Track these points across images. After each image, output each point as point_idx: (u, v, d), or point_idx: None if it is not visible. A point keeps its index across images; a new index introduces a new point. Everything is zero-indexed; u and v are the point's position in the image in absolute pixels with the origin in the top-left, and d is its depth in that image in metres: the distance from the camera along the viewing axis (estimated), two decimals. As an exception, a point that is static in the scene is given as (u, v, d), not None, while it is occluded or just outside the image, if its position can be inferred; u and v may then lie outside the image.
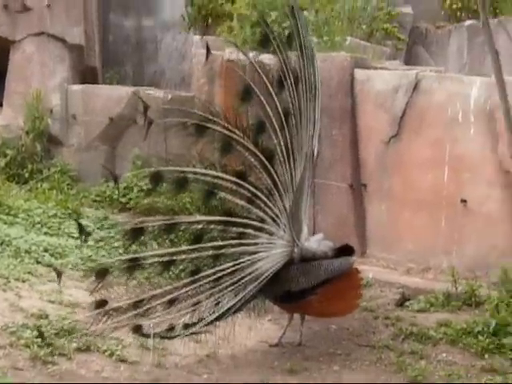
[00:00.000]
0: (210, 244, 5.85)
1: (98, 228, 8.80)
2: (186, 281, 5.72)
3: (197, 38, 10.85)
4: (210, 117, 5.96)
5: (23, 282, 6.92)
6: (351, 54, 8.81)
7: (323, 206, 8.56)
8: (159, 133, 10.30)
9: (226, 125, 5.94)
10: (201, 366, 5.68)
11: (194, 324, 5.64)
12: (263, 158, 5.99)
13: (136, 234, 5.70)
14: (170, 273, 5.76)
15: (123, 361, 5.55)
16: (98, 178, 10.53)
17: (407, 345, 6.28)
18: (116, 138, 10.75)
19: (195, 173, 5.88)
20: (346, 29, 10.23)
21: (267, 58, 6.58)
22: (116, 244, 8.33)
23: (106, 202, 10.00)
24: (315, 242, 6.26)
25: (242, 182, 5.95)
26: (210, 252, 5.82)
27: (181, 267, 5.78)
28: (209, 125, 5.95)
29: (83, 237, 5.83)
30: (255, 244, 5.93)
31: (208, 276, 5.75)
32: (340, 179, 8.47)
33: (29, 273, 7.20)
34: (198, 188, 5.96)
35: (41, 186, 10.43)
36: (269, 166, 6.00)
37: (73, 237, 8.47)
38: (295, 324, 6.37)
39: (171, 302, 5.63)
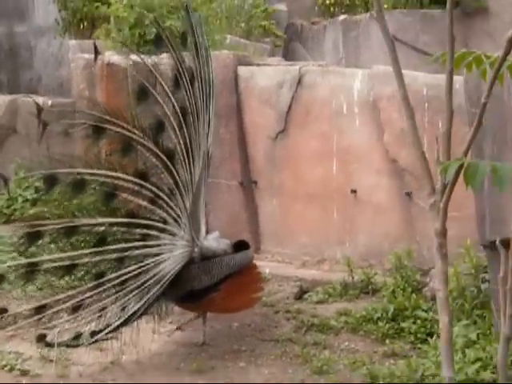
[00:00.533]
0: (113, 247, 5.74)
1: (-18, 241, 8.48)
2: (90, 285, 5.60)
3: (73, 42, 10.64)
4: (108, 117, 5.84)
5: None
6: (233, 51, 8.83)
7: (215, 205, 8.51)
8: (41, 141, 10.07)
9: (125, 125, 5.84)
10: (106, 373, 5.56)
11: (101, 330, 5.53)
12: (164, 158, 5.94)
13: (33, 237, 5.53)
14: (73, 277, 5.60)
15: (25, 375, 5.38)
16: (-21, 190, 10.18)
17: (310, 336, 6.36)
18: (-4, 148, 10.41)
19: (93, 174, 5.74)
20: (224, 27, 10.26)
21: (160, 59, 6.50)
22: (3, 257, 8.12)
23: (-10, 215, 9.66)
24: (213, 241, 6.27)
25: (143, 183, 5.87)
26: (114, 255, 5.71)
27: (83, 271, 5.63)
28: (107, 126, 5.83)
29: None
30: (158, 245, 5.87)
31: (113, 280, 5.64)
32: (230, 177, 8.47)
33: None
34: (98, 190, 5.82)
35: None
36: (170, 166, 5.95)
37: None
38: (197, 323, 6.34)
39: (76, 309, 5.49)
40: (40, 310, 5.42)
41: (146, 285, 5.71)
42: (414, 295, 6.58)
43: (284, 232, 8.29)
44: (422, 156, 3.55)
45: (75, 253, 5.63)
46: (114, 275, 5.66)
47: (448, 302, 3.46)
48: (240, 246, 6.38)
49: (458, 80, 6.85)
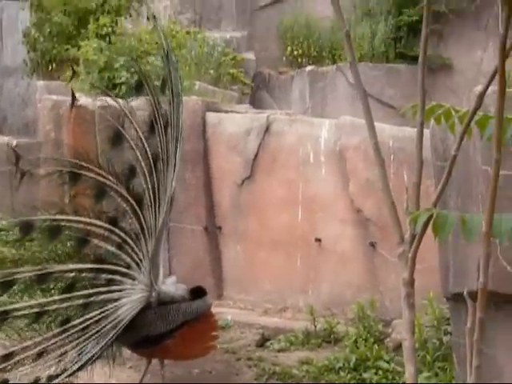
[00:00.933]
0: (80, 292, 5.67)
1: None
2: (56, 331, 5.51)
3: (41, 83, 10.62)
4: (84, 164, 5.82)
5: None
6: (202, 97, 8.88)
7: (178, 250, 8.52)
8: (5, 181, 10.01)
9: (99, 171, 5.83)
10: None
11: (58, 375, 5.43)
12: (134, 204, 5.91)
13: (6, 285, 5.45)
14: (41, 324, 5.52)
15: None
16: None
17: (271, 385, 6.33)
18: (-40, 187, 10.30)
19: (69, 220, 5.71)
20: (194, 74, 10.33)
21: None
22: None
23: None
24: (171, 285, 6.24)
25: (113, 228, 5.84)
26: (81, 301, 5.65)
27: (51, 317, 5.56)
28: (83, 172, 5.82)
29: None
30: (120, 290, 5.81)
31: (77, 325, 5.57)
32: (194, 222, 8.46)
33: None
34: (71, 236, 5.78)
35: None
36: (138, 211, 5.92)
37: None
38: (156, 369, 6.26)
39: (40, 354, 5.40)
40: (7, 357, 5.32)
41: (104, 329, 5.64)
42: (376, 345, 6.58)
43: (247, 278, 8.28)
44: (392, 205, 3.59)
45: (45, 300, 5.56)
46: (77, 321, 5.59)
47: (414, 352, 3.46)
48: (197, 292, 6.30)
49: (425, 133, 6.99)
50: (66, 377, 5.45)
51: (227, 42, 11.52)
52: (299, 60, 12.32)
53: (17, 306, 5.45)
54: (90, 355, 5.60)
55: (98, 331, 5.60)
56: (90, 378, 5.70)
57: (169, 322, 5.99)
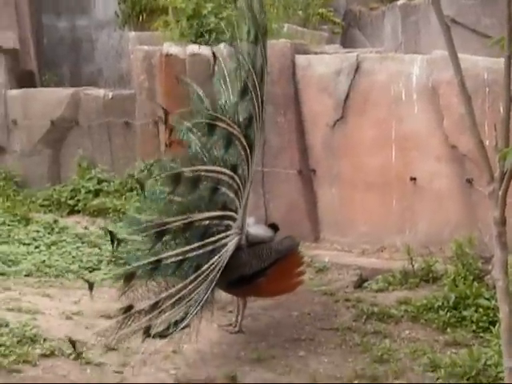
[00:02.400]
0: (211, 239, 5.85)
1: (48, 233, 8.68)
2: (191, 278, 5.69)
3: (133, 34, 10.75)
4: (219, 115, 5.97)
5: (-22, 291, 6.79)
6: (291, 40, 8.82)
7: (274, 194, 8.57)
8: (102, 133, 10.24)
9: (229, 122, 5.99)
10: (167, 362, 5.63)
11: (182, 320, 5.60)
12: (248, 151, 6.11)
13: (160, 235, 5.67)
14: (181, 271, 5.71)
15: (89, 363, 5.47)
16: (43, 182, 10.40)
17: (370, 325, 6.34)
18: (59, 140, 10.61)
19: (207, 170, 5.91)
20: (282, 16, 10.24)
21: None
22: (68, 248, 8.30)
23: (53, 206, 9.85)
24: (256, 227, 6.42)
25: (234, 176, 6.03)
26: (210, 247, 5.82)
27: (189, 264, 5.73)
28: (218, 123, 5.96)
29: (115, 244, 5.68)
30: (229, 235, 6.01)
31: (205, 271, 5.75)
32: (288, 166, 8.47)
33: (-17, 282, 7.07)
34: (207, 185, 5.96)
35: (-14, 194, 10.26)
36: (249, 158, 6.13)
37: (24, 243, 8.37)
38: (256, 313, 6.39)
39: (178, 301, 5.60)
40: (156, 305, 5.54)
41: (217, 274, 5.80)
42: (475, 283, 6.49)
43: (343, 220, 8.27)
44: (480, 143, 3.52)
45: (188, 247, 5.73)
46: (205, 267, 5.76)
47: (508, 292, 3.42)
48: (273, 228, 6.55)
49: (519, 64, 6.76)
50: (188, 320, 5.60)
51: (315, -18, 11.33)
52: (390, -5, 12.04)
53: (168, 253, 5.66)
54: (204, 298, 5.76)
55: (214, 276, 5.77)
56: (197, 322, 5.85)
57: (263, 260, 6.20)
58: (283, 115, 8.46)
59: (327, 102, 8.26)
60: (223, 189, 6.01)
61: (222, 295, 6.33)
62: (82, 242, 8.43)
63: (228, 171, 5.99)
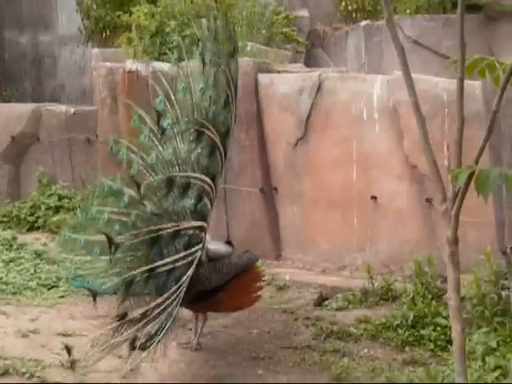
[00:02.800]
0: (192, 250, 5.86)
1: (6, 249, 8.58)
2: (174, 289, 5.65)
3: (96, 50, 10.71)
4: (206, 123, 6.05)
5: None
6: (253, 58, 8.84)
7: (235, 212, 8.56)
8: (64, 149, 10.18)
9: (213, 130, 6.09)
10: (124, 381, 5.57)
11: (156, 334, 5.53)
12: (223, 161, 6.23)
13: (153, 241, 5.66)
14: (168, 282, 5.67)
15: (44, 382, 5.40)
16: (2, 198, 10.30)
17: (329, 343, 6.34)
18: (19, 156, 10.53)
19: (195, 178, 5.97)
20: (245, 34, 10.26)
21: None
22: (26, 265, 8.20)
23: (13, 222, 9.75)
24: (214, 243, 6.43)
25: (213, 186, 6.10)
26: (190, 258, 5.83)
27: (175, 275, 5.70)
28: (204, 130, 6.05)
29: (112, 249, 5.60)
30: (201, 249, 6.02)
31: (182, 284, 5.73)
32: (250, 184, 8.48)
33: None
34: (193, 193, 5.99)
35: None
36: (222, 169, 6.27)
37: (-16, 259, 8.25)
38: (216, 331, 6.35)
39: (159, 313, 5.54)
40: (145, 313, 5.49)
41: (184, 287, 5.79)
42: (434, 302, 6.52)
43: (304, 238, 8.28)
44: (433, 163, 3.56)
45: (177, 256, 5.73)
46: (183, 279, 5.74)
47: (460, 311, 3.44)
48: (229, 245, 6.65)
49: (477, 85, 6.84)
50: (161, 335, 5.51)
51: (279, 1, 11.39)
52: (354, 15, 12.13)
53: (163, 261, 5.64)
54: (175, 313, 5.72)
55: (183, 289, 5.75)
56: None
57: (222, 275, 6.20)
58: (245, 133, 8.47)
59: (289, 120, 8.29)
60: (205, 199, 6.05)
61: (184, 312, 6.29)
62: (41, 259, 8.33)
63: (209, 181, 6.05)
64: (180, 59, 6.74)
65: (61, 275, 7.88)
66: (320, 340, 6.41)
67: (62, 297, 7.42)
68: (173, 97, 6.31)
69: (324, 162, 8.11)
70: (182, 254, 5.78)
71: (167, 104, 6.31)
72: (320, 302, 7.23)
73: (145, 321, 5.48)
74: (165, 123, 6.22)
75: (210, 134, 6.09)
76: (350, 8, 12.06)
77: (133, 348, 5.39)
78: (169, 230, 5.73)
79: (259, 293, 6.49)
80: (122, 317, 5.41)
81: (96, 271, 5.78)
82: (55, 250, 6.34)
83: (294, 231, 8.35)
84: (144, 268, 5.58)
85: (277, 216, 8.46)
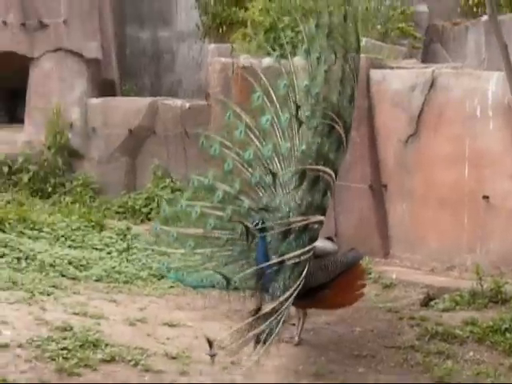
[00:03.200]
0: (313, 244, 5.86)
1: (120, 239, 8.84)
2: (297, 283, 5.66)
3: (212, 46, 10.88)
4: (335, 117, 6.04)
5: (48, 295, 6.91)
6: (366, 54, 8.77)
7: (344, 208, 8.52)
8: (178, 143, 10.39)
9: (340, 124, 6.08)
10: (225, 372, 5.65)
11: (275, 329, 5.51)
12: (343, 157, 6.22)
13: (285, 234, 5.76)
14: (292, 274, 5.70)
15: (148, 370, 5.51)
16: (119, 189, 10.62)
17: (433, 345, 6.24)
18: (135, 149, 10.83)
19: (324, 172, 5.95)
20: (360, 30, 10.17)
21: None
22: (139, 255, 8.42)
23: (128, 213, 10.04)
24: (320, 240, 6.32)
25: (335, 180, 6.08)
26: (311, 253, 5.83)
27: (298, 268, 5.72)
28: (334, 124, 6.05)
29: (250, 240, 5.75)
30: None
31: (303, 278, 5.72)
32: (360, 180, 8.43)
33: (53, 286, 7.20)
34: (321, 187, 5.98)
35: (64, 199, 10.55)
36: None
37: (96, 249, 8.53)
38: (319, 327, 6.35)
39: (287, 306, 5.57)
40: (276, 307, 5.51)
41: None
42: (545, 306, 6.33)
43: (414, 237, 8.17)
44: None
45: (302, 250, 5.74)
46: (304, 274, 5.73)
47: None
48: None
49: None
50: (279, 330, 5.52)
51: (396, -4, 11.24)
52: (474, 10, 11.84)
53: (294, 253, 5.69)
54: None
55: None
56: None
57: (328, 273, 6.17)
58: (356, 129, 8.37)
59: (401, 116, 8.20)
60: (328, 193, 6.03)
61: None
62: (153, 250, 8.52)
63: (333, 175, 6.02)
64: (292, 55, 6.77)
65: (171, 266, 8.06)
66: (424, 341, 6.31)
67: (172, 287, 7.57)
68: (272, 93, 6.32)
69: (435, 159, 7.98)
70: (306, 249, 5.77)
71: (265, 100, 6.32)
72: (426, 302, 7.11)
73: (275, 315, 5.48)
74: (263, 119, 6.25)
75: (338, 128, 6.06)
76: (470, 2, 11.78)
77: (257, 342, 5.41)
78: (298, 224, 5.75)
79: (362, 291, 6.44)
80: (255, 311, 5.41)
81: (191, 264, 5.86)
82: (144, 243, 6.43)
83: (403, 229, 8.25)
84: (275, 261, 5.62)
85: (386, 213, 8.38)
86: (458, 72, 8.14)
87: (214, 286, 6.14)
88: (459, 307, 6.91)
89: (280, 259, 5.64)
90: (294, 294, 5.62)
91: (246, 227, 5.58)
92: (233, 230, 6.07)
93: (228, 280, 5.66)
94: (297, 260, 5.69)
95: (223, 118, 9.50)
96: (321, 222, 5.98)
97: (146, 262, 8.21)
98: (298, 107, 6.10)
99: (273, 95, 6.43)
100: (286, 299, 5.55)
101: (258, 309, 5.42)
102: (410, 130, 8.12)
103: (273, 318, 5.45)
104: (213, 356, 5.23)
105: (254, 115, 6.35)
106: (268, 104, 6.39)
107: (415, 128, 8.09)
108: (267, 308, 5.44)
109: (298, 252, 5.70)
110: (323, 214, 6.01)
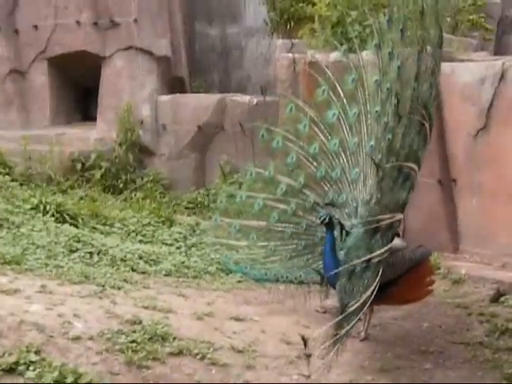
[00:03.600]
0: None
1: (189, 234, 8.95)
2: (377, 280, 5.62)
3: (280, 42, 10.93)
4: (426, 115, 5.97)
5: (118, 289, 7.04)
6: (435, 47, 8.66)
7: (412, 203, 8.37)
8: (246, 138, 10.46)
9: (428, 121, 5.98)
10: (291, 367, 5.67)
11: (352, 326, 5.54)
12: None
13: (374, 232, 5.77)
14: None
15: (214, 364, 5.57)
16: (188, 185, 10.75)
17: (503, 341, 6.15)
18: (204, 145, 10.94)
19: (412, 169, 5.94)
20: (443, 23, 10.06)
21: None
22: (207, 250, 8.51)
23: (197, 209, 10.16)
24: None
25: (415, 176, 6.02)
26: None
27: (377, 266, 5.70)
28: (424, 122, 5.99)
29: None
30: None
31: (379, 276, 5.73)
32: (428, 175, 8.27)
33: (124, 280, 7.33)
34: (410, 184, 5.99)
35: (135, 195, 10.74)
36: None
37: (166, 244, 8.66)
38: (386, 323, 6.32)
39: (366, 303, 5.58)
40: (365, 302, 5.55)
41: None
42: None
43: (484, 232, 8.05)
44: None
45: (385, 248, 5.71)
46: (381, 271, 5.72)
47: None
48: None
49: None
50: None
51: (467, -13, 11.10)
52: (548, 0, 11.62)
53: (378, 252, 5.67)
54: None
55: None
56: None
57: (396, 269, 6.08)
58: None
59: (470, 110, 8.09)
60: (411, 191, 5.99)
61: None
62: (221, 245, 8.61)
63: (418, 172, 5.93)
64: (360, 49, 6.73)
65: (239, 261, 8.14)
66: (493, 337, 6.23)
67: (240, 282, 7.64)
68: (339, 88, 6.29)
69: (506, 154, 7.85)
70: (388, 247, 5.72)
71: (331, 95, 6.29)
72: (497, 297, 7.01)
73: (358, 314, 5.48)
74: (330, 114, 6.23)
75: (426, 125, 5.99)
76: (544, -8, 11.55)
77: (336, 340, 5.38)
78: (388, 221, 5.71)
79: (430, 287, 6.34)
80: (343, 309, 5.44)
81: (254, 257, 5.89)
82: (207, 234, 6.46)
83: (473, 224, 8.14)
84: (364, 258, 5.60)
85: (455, 208, 8.29)
86: (527, 64, 7.98)
87: (278, 280, 6.16)
88: (530, 303, 6.80)
89: (368, 257, 5.57)
90: (375, 293, 5.57)
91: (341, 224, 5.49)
92: (297, 224, 6.08)
93: (321, 275, 5.62)
94: (380, 258, 5.64)
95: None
96: (399, 220, 5.93)
97: (214, 257, 8.30)
98: (398, 101, 5.91)
99: (339, 90, 6.39)
100: (369, 297, 5.52)
101: (345, 306, 5.40)
102: (479, 123, 8.00)
103: (357, 316, 5.44)
104: (308, 356, 5.20)
105: (319, 109, 6.31)
106: (334, 98, 6.35)
107: (485, 122, 7.97)
108: (353, 307, 5.41)
109: (383, 250, 5.64)
110: (403, 211, 5.93)
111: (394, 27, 6.42)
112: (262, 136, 6.45)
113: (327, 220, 5.92)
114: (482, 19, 11.14)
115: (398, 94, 5.99)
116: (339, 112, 6.29)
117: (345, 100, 6.34)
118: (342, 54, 6.72)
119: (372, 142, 6.12)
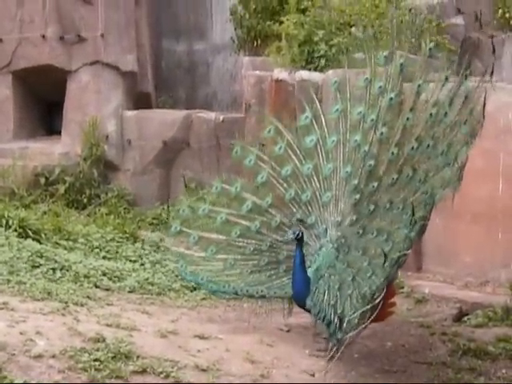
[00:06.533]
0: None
1: (154, 251, 8.91)
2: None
3: (246, 59, 10.97)
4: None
5: (82, 306, 6.96)
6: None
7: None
8: (212, 155, 10.47)
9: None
10: (254, 386, 5.67)
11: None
12: None
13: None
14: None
15: (178, 382, 5.54)
16: (153, 201, 10.71)
17: (465, 361, 6.21)
18: (169, 161, 10.92)
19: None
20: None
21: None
22: (171, 266, 8.47)
23: (161, 225, 10.12)
24: None
25: None
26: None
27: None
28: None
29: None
30: None
31: None
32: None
33: (87, 297, 7.25)
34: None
35: (99, 210, 10.65)
36: None
37: (130, 260, 8.60)
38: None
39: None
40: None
41: None
42: None
43: (447, 251, 8.13)
44: None
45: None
46: None
47: None
48: None
49: None
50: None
51: (430, 8, 11.21)
52: (511, 22, 11.79)
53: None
54: None
55: None
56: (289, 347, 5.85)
57: None
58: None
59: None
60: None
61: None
62: (179, 254, 8.56)
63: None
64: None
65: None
66: (456, 357, 6.29)
67: (204, 299, 7.61)
68: (320, 111, 6.34)
69: (468, 173, 7.90)
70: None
71: (313, 121, 6.34)
72: (459, 317, 7.10)
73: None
74: (308, 139, 6.27)
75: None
76: (507, 15, 11.72)
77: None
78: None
79: (392, 309, 6.32)
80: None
81: (211, 269, 5.90)
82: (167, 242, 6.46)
83: (437, 243, 8.20)
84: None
85: (419, 227, 8.32)
86: (492, 86, 8.07)
87: (237, 293, 6.17)
88: (492, 323, 6.89)
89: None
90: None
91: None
92: (261, 241, 6.10)
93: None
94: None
95: (258, 130, 9.65)
96: None
97: (178, 275, 8.25)
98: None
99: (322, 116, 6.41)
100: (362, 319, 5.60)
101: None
102: (443, 144, 8.06)
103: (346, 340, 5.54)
104: None
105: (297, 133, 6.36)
106: (315, 125, 6.38)
107: (449, 142, 8.03)
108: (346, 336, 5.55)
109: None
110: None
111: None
112: (236, 152, 6.47)
113: (300, 235, 5.95)
114: (446, 40, 11.25)
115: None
116: (318, 138, 6.32)
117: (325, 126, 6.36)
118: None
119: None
